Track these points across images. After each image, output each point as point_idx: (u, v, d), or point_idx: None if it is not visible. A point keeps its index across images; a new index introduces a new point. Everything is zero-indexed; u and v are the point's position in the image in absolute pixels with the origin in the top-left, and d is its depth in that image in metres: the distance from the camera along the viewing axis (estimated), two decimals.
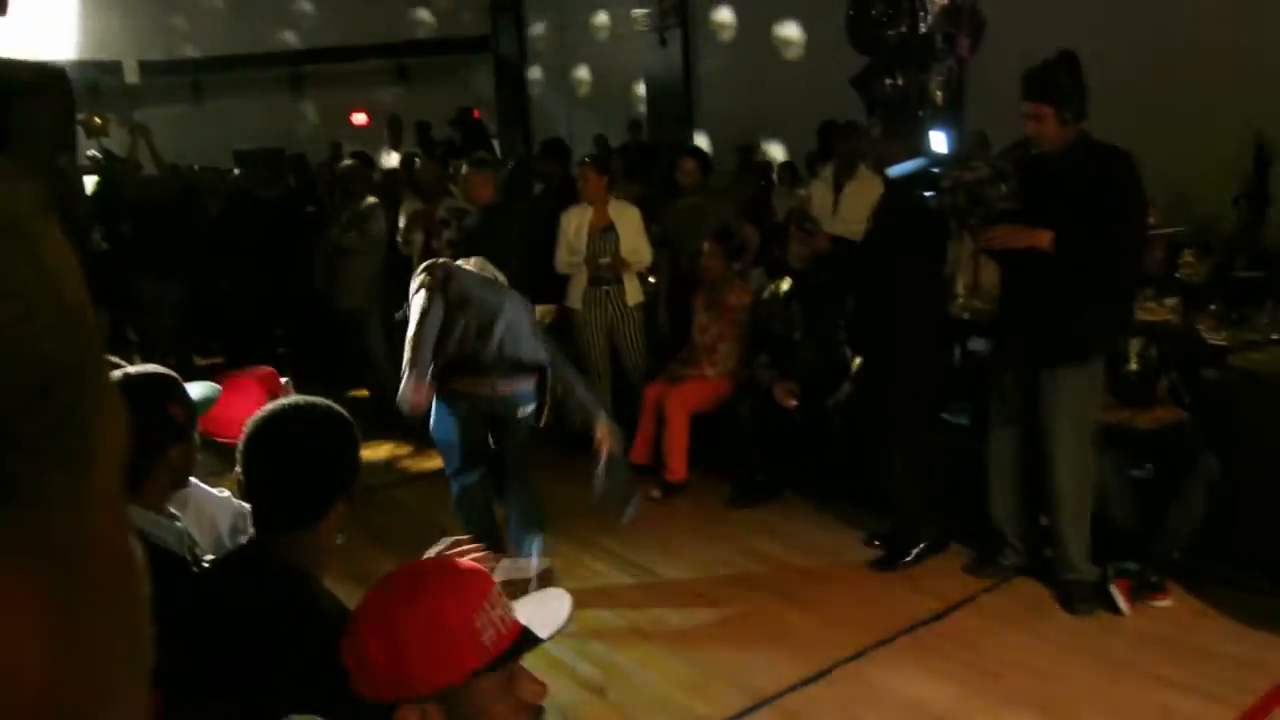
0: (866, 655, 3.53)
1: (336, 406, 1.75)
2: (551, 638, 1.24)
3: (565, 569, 4.32)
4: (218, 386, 2.35)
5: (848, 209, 5.20)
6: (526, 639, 1.22)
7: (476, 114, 10.88)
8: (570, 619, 1.29)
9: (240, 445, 1.68)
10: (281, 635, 1.51)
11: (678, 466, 5.07)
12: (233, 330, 7.60)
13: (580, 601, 3.93)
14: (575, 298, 5.48)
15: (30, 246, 0.32)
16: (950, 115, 6.35)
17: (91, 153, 9.50)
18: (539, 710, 1.25)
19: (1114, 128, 6.72)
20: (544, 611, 1.28)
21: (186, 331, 7.63)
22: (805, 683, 3.37)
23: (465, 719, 1.19)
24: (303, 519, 1.66)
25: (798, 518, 4.75)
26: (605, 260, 5.36)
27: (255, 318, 7.23)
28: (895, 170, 4.13)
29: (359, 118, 12.82)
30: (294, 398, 1.79)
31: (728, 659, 3.56)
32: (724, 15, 10.94)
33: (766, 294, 5.17)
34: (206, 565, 1.89)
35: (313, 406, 1.74)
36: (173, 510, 2.11)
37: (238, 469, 1.72)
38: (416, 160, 7.03)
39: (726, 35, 10.96)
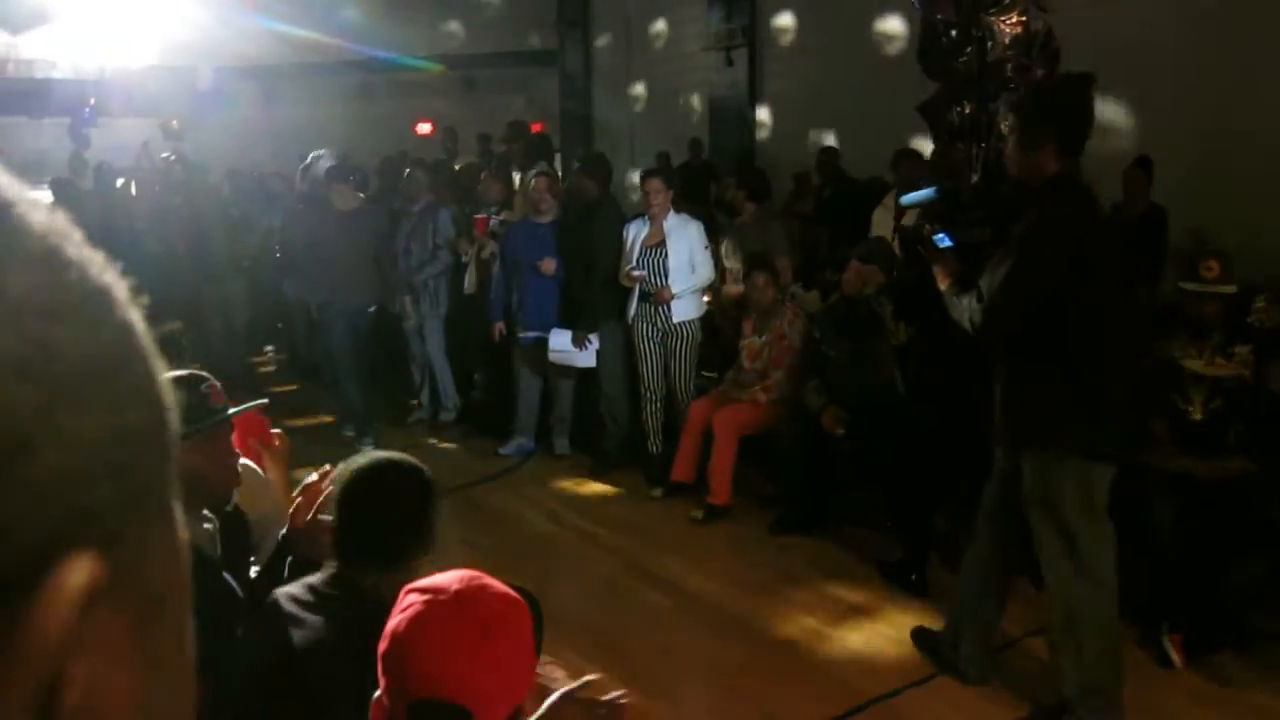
0: (901, 695, 3.43)
1: (417, 461, 1.88)
2: None
3: (605, 589, 4.29)
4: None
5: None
6: None
7: (538, 128, 10.96)
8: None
9: (338, 491, 1.81)
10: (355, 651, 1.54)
11: (721, 490, 5.01)
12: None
13: (618, 621, 3.92)
14: (630, 311, 5.49)
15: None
16: None
17: (166, 155, 9.76)
18: None
19: (1183, 163, 6.59)
20: None
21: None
22: (840, 718, 3.29)
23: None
24: (391, 565, 1.74)
25: (841, 548, 4.66)
26: (638, 273, 5.38)
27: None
28: (906, 199, 3.77)
29: (424, 127, 13.00)
30: (385, 453, 1.90)
31: (755, 687, 3.49)
32: (791, 37, 10.91)
33: (818, 318, 5.11)
34: (294, 595, 1.84)
35: (409, 465, 1.86)
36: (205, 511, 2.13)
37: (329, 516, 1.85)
38: (482, 171, 7.08)
39: (794, 57, 10.92)
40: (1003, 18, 4.85)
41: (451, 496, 5.53)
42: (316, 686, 1.59)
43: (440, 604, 1.26)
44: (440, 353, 6.64)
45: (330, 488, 1.97)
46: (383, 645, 1.28)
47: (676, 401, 5.53)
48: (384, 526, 1.78)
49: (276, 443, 2.80)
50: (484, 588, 1.31)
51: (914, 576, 4.18)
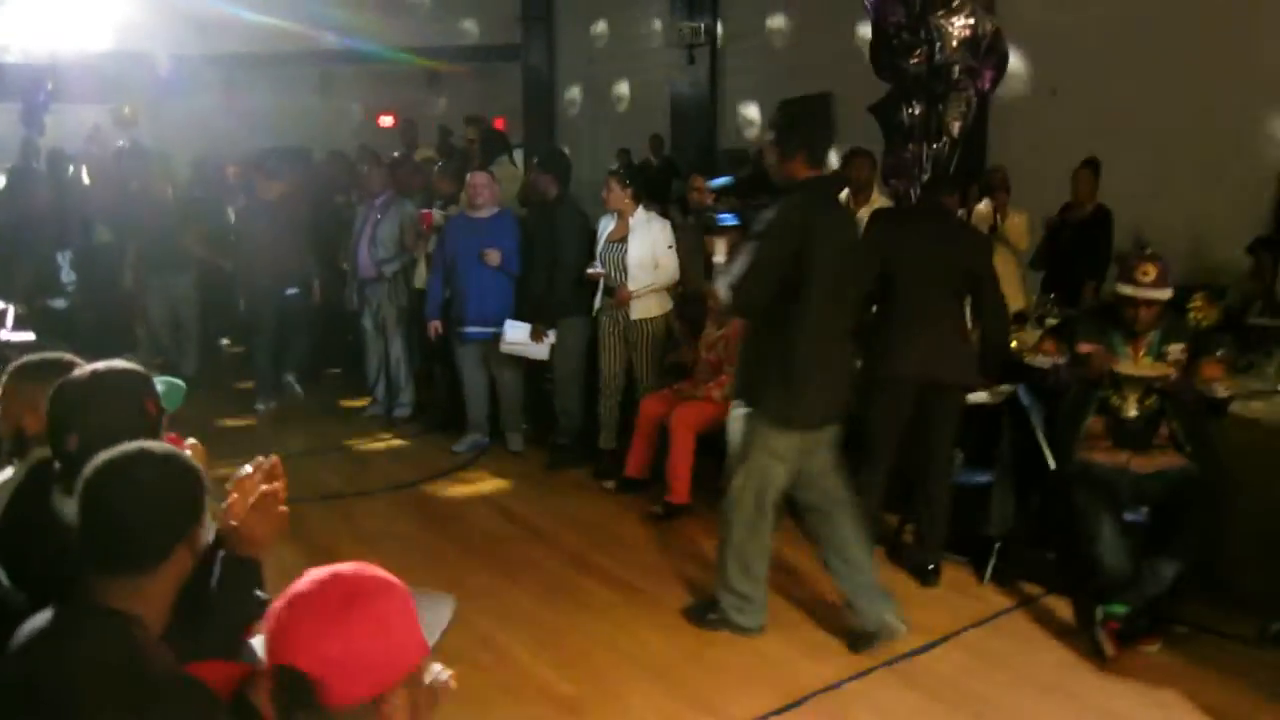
0: (843, 687, 3.49)
1: (178, 451, 1.72)
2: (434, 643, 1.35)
3: (555, 585, 4.31)
4: (182, 384, 2.36)
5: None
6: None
7: (500, 123, 10.93)
8: (451, 623, 1.43)
9: (80, 484, 1.63)
10: (102, 682, 1.48)
11: (681, 490, 5.03)
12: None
13: (567, 618, 3.93)
14: (595, 305, 5.55)
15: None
16: (970, 147, 6.34)
17: (121, 143, 9.63)
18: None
19: (1130, 166, 6.72)
20: (432, 614, 1.39)
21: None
22: (780, 711, 3.34)
23: (413, 710, 1.30)
24: (143, 566, 1.60)
25: (791, 545, 4.70)
26: (595, 269, 5.45)
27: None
28: (710, 184, 4.29)
29: (386, 120, 12.92)
30: (140, 443, 1.69)
31: (706, 684, 3.53)
32: (752, 38, 10.97)
33: None
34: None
35: (159, 450, 1.69)
36: None
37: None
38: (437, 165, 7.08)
39: (754, 56, 10.98)
40: (952, 19, 4.93)
41: (404, 493, 5.56)
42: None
43: (315, 579, 1.28)
44: (400, 348, 6.64)
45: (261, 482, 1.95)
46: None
47: (637, 399, 5.55)
48: (122, 526, 1.60)
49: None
50: (364, 570, 1.30)
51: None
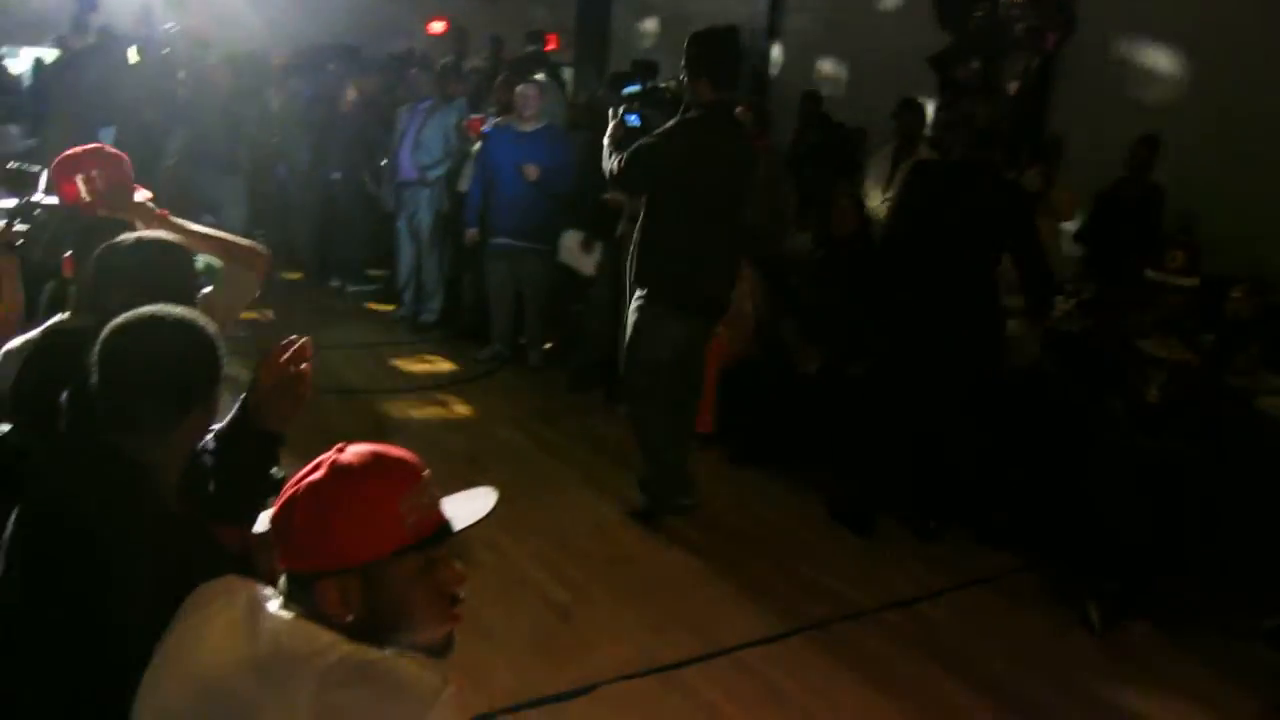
0: (829, 627, 3.55)
1: (196, 316, 1.72)
2: (467, 529, 1.30)
3: (558, 495, 4.39)
4: (218, 262, 2.40)
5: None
6: (448, 529, 1.29)
7: (553, 40, 10.78)
8: (492, 512, 1.34)
9: (97, 348, 1.65)
10: (116, 522, 1.52)
11: (707, 419, 5.07)
12: None
13: (566, 526, 4.00)
14: (619, 230, 5.52)
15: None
16: (1031, 106, 6.21)
17: (169, 25, 9.55)
18: (456, 598, 1.31)
19: (1191, 148, 6.55)
20: (470, 506, 1.35)
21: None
22: (766, 641, 3.41)
23: (384, 600, 1.27)
24: (156, 427, 1.64)
25: (797, 482, 4.76)
26: (611, 195, 5.36)
27: None
28: (625, 90, 4.49)
29: (436, 26, 12.75)
30: (156, 306, 1.70)
31: (696, 606, 3.61)
32: None
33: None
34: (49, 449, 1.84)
35: (175, 316, 1.70)
36: None
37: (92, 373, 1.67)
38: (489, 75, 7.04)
39: None
40: None
41: (423, 395, 5.64)
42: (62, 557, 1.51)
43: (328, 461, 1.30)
44: (432, 254, 6.67)
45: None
46: None
47: None
48: (138, 386, 1.62)
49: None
50: (369, 454, 1.30)
51: (861, 516, 4.28)
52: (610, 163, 3.94)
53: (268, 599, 1.32)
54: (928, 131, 5.56)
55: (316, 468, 1.29)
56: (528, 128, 5.82)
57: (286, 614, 1.28)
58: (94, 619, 1.43)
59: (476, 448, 4.87)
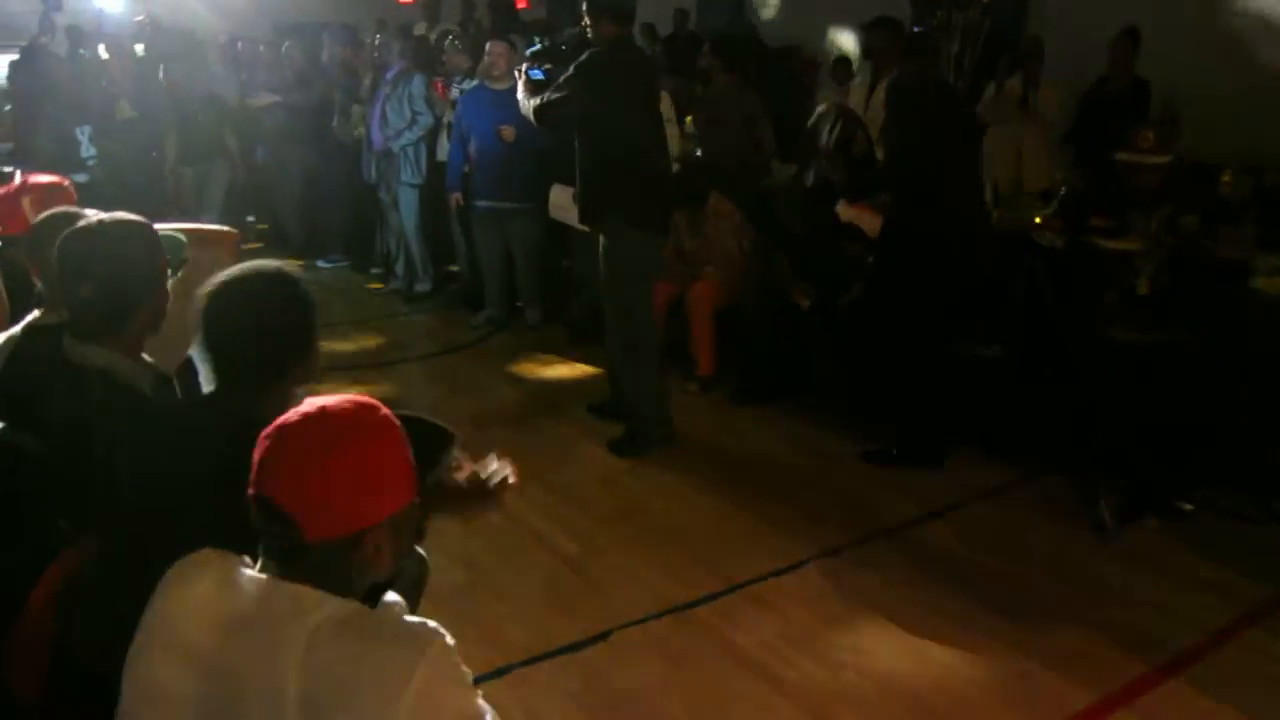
0: (842, 554, 3.57)
1: (290, 271, 1.77)
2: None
3: (564, 451, 4.40)
4: (183, 237, 2.39)
5: (876, 109, 5.04)
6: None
7: (523, 2, 10.62)
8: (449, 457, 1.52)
9: (204, 304, 1.71)
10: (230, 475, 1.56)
11: (706, 362, 5.12)
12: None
13: (572, 480, 4.02)
14: None
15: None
16: (1007, 9, 6.08)
17: (139, 18, 9.47)
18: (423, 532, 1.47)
19: (1172, 37, 6.42)
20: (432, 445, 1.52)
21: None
22: (779, 573, 3.43)
23: (397, 544, 1.34)
24: (262, 378, 1.71)
25: (798, 418, 4.76)
26: None
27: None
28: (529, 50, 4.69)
29: None
30: (259, 262, 1.79)
31: (708, 545, 3.63)
32: None
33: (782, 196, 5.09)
34: (168, 407, 1.95)
35: (272, 271, 1.75)
36: (145, 356, 2.18)
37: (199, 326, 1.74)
38: (450, 37, 6.94)
39: None
40: None
41: (423, 364, 5.64)
42: (180, 504, 1.59)
43: (304, 413, 1.30)
44: (413, 223, 6.62)
45: None
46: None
47: None
48: (248, 340, 1.71)
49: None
50: (355, 407, 1.31)
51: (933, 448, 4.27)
52: (527, 107, 4.26)
53: (246, 566, 1.33)
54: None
55: (306, 435, 1.28)
56: (501, 86, 5.74)
57: (265, 577, 1.29)
58: None
59: (480, 410, 4.88)
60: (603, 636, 3.07)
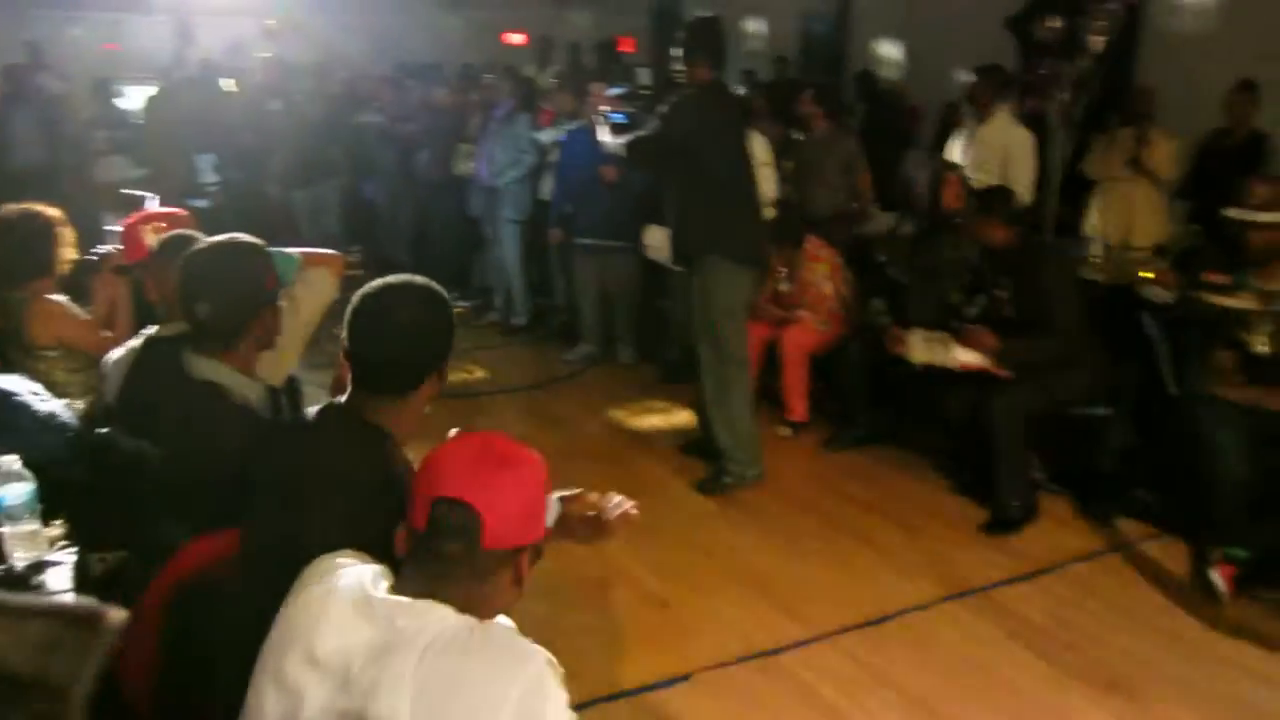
0: (934, 607, 3.48)
1: (438, 287, 1.81)
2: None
3: (652, 489, 4.40)
4: (297, 255, 2.48)
5: (975, 154, 4.99)
6: None
7: (628, 44, 10.86)
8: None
9: (347, 313, 1.76)
10: (356, 482, 1.66)
11: (798, 408, 5.09)
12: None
13: (659, 518, 4.02)
14: None
15: None
16: (1118, 60, 5.95)
17: (265, 55, 9.94)
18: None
19: None
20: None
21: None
22: (866, 624, 3.35)
23: (528, 572, 1.45)
24: (397, 389, 1.76)
25: (893, 465, 4.68)
26: None
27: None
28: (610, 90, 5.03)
29: (515, 38, 12.96)
30: (403, 276, 1.82)
31: (793, 591, 3.58)
32: None
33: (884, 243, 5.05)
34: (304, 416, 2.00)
35: (419, 284, 1.80)
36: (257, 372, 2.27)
37: (342, 335, 1.80)
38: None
39: None
40: None
41: (515, 396, 5.73)
42: (305, 513, 1.66)
43: (468, 436, 1.43)
44: (515, 259, 6.75)
45: None
46: (420, 467, 1.44)
47: None
48: (391, 346, 1.74)
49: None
50: (511, 441, 1.45)
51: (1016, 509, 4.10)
52: (613, 145, 4.38)
53: (381, 578, 1.40)
54: (1006, 98, 5.36)
55: (503, 442, 1.43)
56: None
57: (397, 596, 1.36)
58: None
59: (570, 445, 4.92)
60: (684, 678, 3.05)
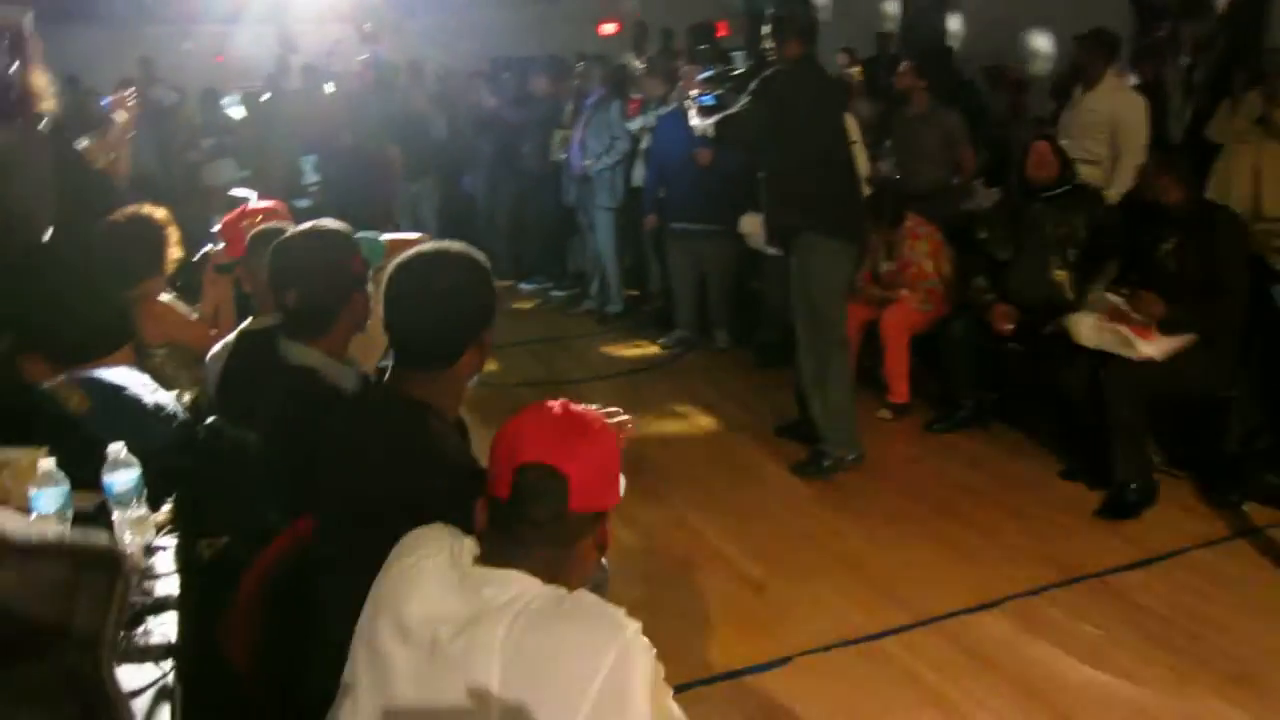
0: (1045, 593, 3.34)
1: (477, 253, 1.77)
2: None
3: (750, 472, 4.35)
4: (383, 241, 2.52)
5: (1077, 123, 4.76)
6: None
7: (724, 28, 10.75)
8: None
9: (384, 285, 1.74)
10: (398, 459, 1.66)
11: (901, 389, 4.97)
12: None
13: (756, 501, 3.98)
14: None
15: None
16: (1245, 20, 5.61)
17: (364, 57, 10.18)
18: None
19: None
20: None
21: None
22: (969, 610, 3.24)
23: (606, 541, 1.44)
24: (437, 361, 1.73)
25: (999, 447, 4.53)
26: None
27: None
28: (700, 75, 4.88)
29: (608, 27, 12.97)
30: (438, 243, 1.79)
31: (898, 575, 3.48)
32: None
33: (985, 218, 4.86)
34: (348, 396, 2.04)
35: (455, 252, 1.76)
36: (351, 356, 2.31)
37: (380, 307, 1.78)
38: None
39: None
40: None
41: (610, 382, 5.74)
42: (360, 488, 1.67)
43: (542, 405, 1.41)
44: (609, 246, 6.77)
45: None
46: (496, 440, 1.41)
47: None
48: (425, 315, 1.71)
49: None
50: (588, 409, 1.45)
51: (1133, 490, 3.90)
52: (702, 126, 4.32)
53: (472, 551, 1.40)
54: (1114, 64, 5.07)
55: (581, 410, 1.42)
56: None
57: (484, 567, 1.36)
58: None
59: (666, 430, 4.92)
60: (783, 661, 3.00)
